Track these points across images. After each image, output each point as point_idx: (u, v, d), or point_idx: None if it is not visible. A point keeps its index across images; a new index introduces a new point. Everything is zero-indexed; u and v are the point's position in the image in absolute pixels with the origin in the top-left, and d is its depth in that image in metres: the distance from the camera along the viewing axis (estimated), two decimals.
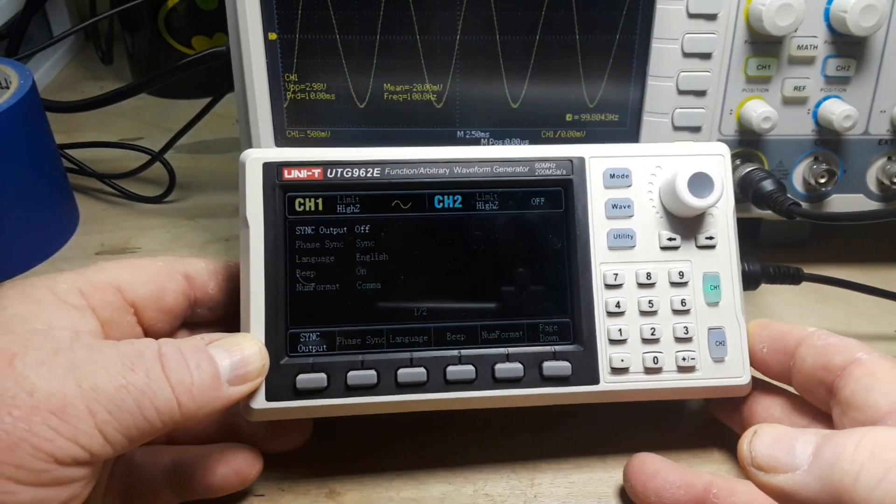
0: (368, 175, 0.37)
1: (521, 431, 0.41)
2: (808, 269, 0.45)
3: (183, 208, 0.61)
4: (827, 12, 0.43)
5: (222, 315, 0.39)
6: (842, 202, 0.48)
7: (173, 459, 0.36)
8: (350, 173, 0.37)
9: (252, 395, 0.35)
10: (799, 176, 0.48)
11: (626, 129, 0.47)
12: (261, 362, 0.35)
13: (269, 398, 0.35)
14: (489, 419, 0.41)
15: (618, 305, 0.38)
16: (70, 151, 0.63)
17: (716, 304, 0.38)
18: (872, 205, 0.48)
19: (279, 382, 0.35)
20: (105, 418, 0.29)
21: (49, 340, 0.30)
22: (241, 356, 0.34)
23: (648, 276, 0.38)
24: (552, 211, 0.38)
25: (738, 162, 0.47)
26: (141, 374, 0.30)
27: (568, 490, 0.38)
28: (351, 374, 0.36)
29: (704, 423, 0.41)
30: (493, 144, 0.48)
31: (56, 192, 0.56)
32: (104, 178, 0.63)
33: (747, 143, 0.47)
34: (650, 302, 0.38)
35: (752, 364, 0.38)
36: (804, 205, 0.48)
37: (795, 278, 0.44)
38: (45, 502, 0.28)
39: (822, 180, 0.47)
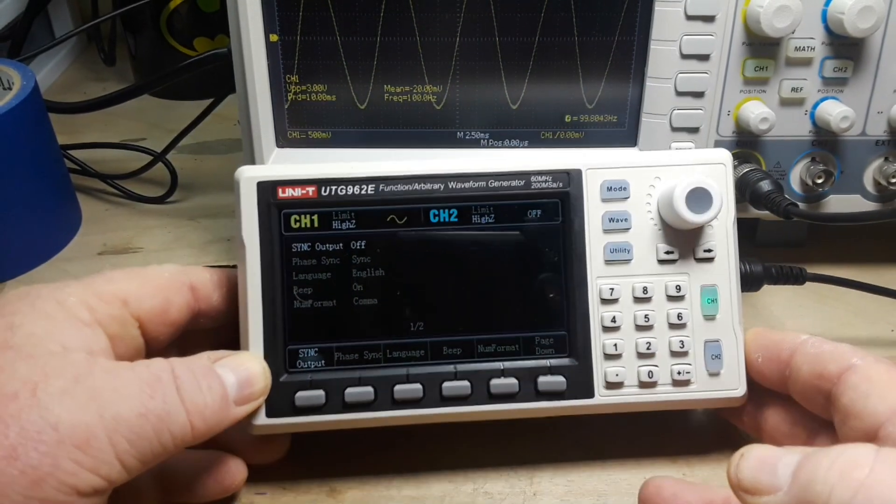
0: (363, 192, 0.37)
1: (521, 430, 0.41)
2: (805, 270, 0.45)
3: (185, 209, 0.61)
4: (824, 14, 0.43)
5: (223, 324, 0.39)
6: (839, 203, 0.48)
7: (160, 463, 0.36)
8: (344, 190, 0.37)
9: (253, 411, 0.35)
10: (796, 176, 0.48)
11: (625, 130, 0.47)
12: (264, 381, 0.35)
13: (269, 414, 0.36)
14: (492, 420, 0.41)
15: (613, 320, 0.37)
16: (72, 152, 0.63)
17: (713, 317, 0.38)
18: (869, 205, 0.48)
19: (279, 399, 0.36)
20: (125, 448, 0.29)
21: (68, 366, 0.30)
22: (246, 376, 0.34)
23: (645, 290, 0.38)
24: (549, 224, 0.38)
25: (735, 163, 0.47)
26: (159, 400, 0.30)
27: (567, 488, 0.38)
28: (348, 391, 0.36)
29: (707, 423, 0.42)
30: (492, 145, 0.48)
31: (58, 192, 0.56)
32: (106, 178, 0.63)
33: (745, 144, 0.47)
34: (646, 316, 0.38)
35: (748, 374, 0.38)
36: (801, 205, 0.48)
37: (798, 279, 0.44)
38: None
39: (820, 181, 0.47)
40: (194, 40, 0.76)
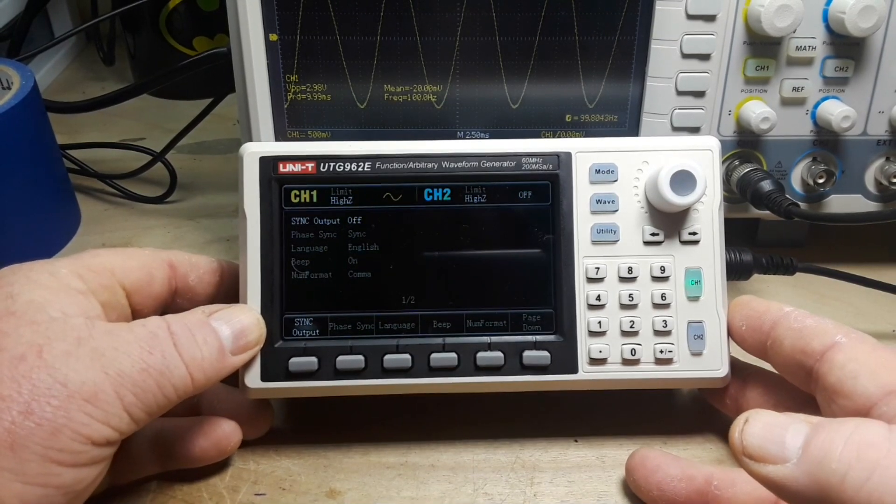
0: (360, 169, 0.40)
1: (522, 430, 0.42)
2: None
3: (184, 208, 0.62)
4: (825, 13, 0.44)
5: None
6: (840, 202, 0.49)
7: (156, 431, 0.39)
8: (342, 167, 0.40)
9: (248, 374, 0.38)
10: (797, 176, 0.48)
11: (626, 129, 0.47)
12: (259, 331, 0.38)
13: (263, 379, 0.38)
14: (491, 418, 0.42)
15: (598, 298, 0.39)
16: (72, 152, 0.65)
17: (696, 298, 0.40)
18: (870, 205, 0.49)
19: (274, 364, 0.38)
20: (131, 400, 0.32)
21: (69, 329, 0.32)
22: (240, 327, 0.37)
23: (630, 270, 0.40)
24: (538, 204, 0.40)
25: (736, 162, 0.48)
26: (158, 356, 0.33)
27: (567, 489, 0.38)
28: (340, 358, 0.39)
29: (702, 411, 0.43)
30: None
31: (58, 192, 0.57)
32: (106, 178, 0.64)
33: (746, 144, 0.47)
34: (630, 295, 0.40)
35: (731, 338, 0.39)
36: (802, 205, 0.49)
37: (789, 269, 0.45)
38: (81, 482, 0.31)
39: (821, 181, 0.47)
40: (193, 40, 0.77)
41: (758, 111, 0.45)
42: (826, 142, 0.48)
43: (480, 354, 0.39)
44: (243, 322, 0.37)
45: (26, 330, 0.31)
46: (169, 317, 0.35)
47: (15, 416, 0.29)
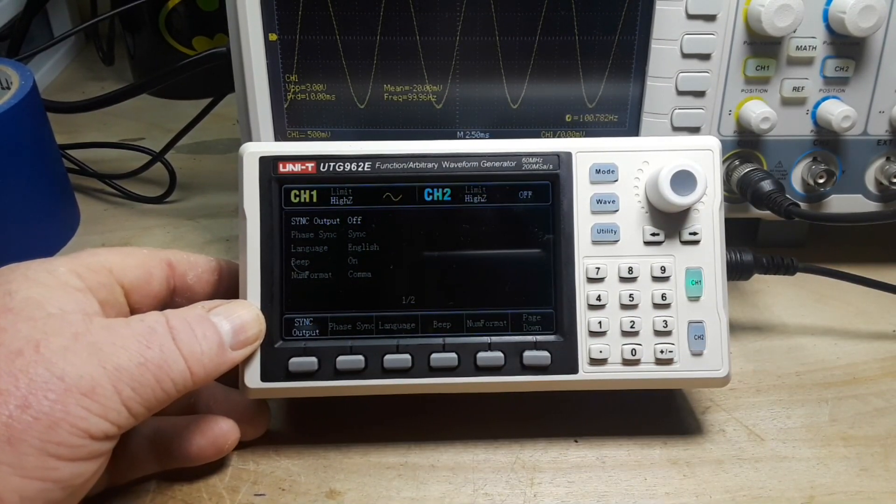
0: (360, 169, 0.40)
1: (522, 430, 0.42)
2: None
3: (184, 208, 0.62)
4: (826, 13, 0.44)
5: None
6: (840, 202, 0.49)
7: (154, 429, 0.39)
8: (342, 167, 0.40)
9: (248, 374, 0.38)
10: (798, 176, 0.48)
11: (626, 129, 0.47)
12: (258, 327, 0.38)
13: (263, 379, 0.38)
14: (491, 418, 0.41)
15: (599, 298, 0.40)
16: (71, 152, 0.65)
17: (697, 298, 0.40)
18: (871, 205, 0.49)
19: (273, 364, 0.39)
20: (130, 395, 0.32)
21: (66, 325, 0.32)
22: (240, 322, 0.37)
23: (630, 270, 0.40)
24: (539, 204, 0.40)
25: (736, 162, 0.48)
26: (156, 350, 0.33)
27: (567, 489, 0.38)
28: (340, 358, 0.39)
29: (712, 430, 0.43)
30: None
31: (57, 192, 0.57)
32: (105, 178, 0.64)
33: (746, 144, 0.47)
34: (631, 296, 0.40)
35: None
36: (803, 205, 0.49)
37: (789, 269, 0.45)
38: (80, 476, 0.31)
39: (821, 181, 0.47)
40: (193, 39, 0.77)
41: (758, 111, 0.45)
42: (826, 142, 0.48)
43: (481, 354, 0.39)
44: (243, 317, 0.37)
45: (23, 326, 0.31)
46: (168, 312, 0.35)
47: (12, 410, 0.29)
